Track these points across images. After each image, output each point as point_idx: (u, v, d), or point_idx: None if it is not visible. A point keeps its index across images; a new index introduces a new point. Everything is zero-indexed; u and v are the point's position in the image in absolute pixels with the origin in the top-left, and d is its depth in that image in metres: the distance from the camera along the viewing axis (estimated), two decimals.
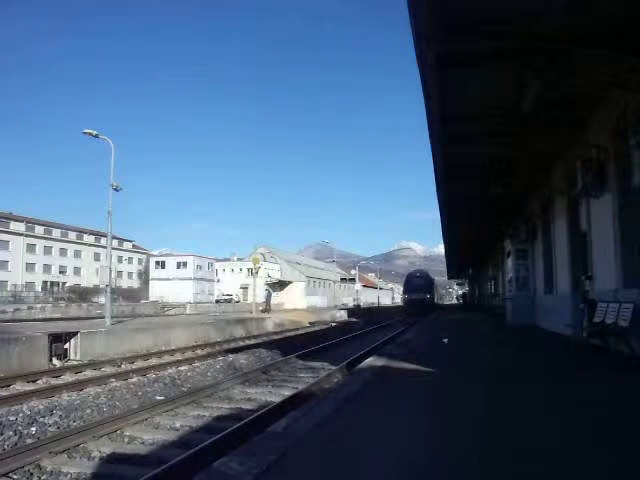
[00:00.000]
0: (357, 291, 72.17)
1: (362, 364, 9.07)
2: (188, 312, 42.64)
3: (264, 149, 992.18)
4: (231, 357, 14.20)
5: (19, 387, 9.67)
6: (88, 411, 7.72)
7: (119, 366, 12.49)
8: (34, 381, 10.27)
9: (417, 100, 9.45)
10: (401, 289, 59.09)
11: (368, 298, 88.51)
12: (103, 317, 20.18)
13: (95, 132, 19.04)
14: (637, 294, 8.00)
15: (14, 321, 24.39)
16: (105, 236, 25.19)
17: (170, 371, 11.76)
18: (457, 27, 6.82)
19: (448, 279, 70.84)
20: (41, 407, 7.71)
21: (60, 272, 75.59)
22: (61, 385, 9.61)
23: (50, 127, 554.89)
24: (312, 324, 33.03)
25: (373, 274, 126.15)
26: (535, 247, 18.43)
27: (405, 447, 3.84)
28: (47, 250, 74.80)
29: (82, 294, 58.04)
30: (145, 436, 6.39)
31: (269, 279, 68.13)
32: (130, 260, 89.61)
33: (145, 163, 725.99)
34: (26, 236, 71.09)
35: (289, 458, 3.47)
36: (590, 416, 4.74)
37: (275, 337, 21.98)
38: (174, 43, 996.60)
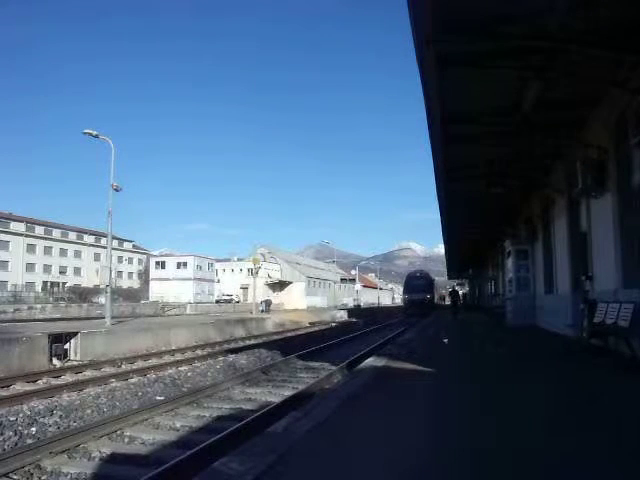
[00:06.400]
0: (357, 291, 72.20)
1: (362, 364, 9.07)
2: (188, 312, 42.66)
3: (264, 149, 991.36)
4: (231, 357, 14.20)
5: (19, 387, 9.67)
6: (88, 411, 7.72)
7: (119, 366, 12.49)
8: (34, 381, 10.27)
9: (417, 100, 9.46)
10: (401, 289, 59.10)
11: (368, 298, 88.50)
12: (103, 317, 20.21)
13: (95, 132, 19.09)
14: (637, 294, 8.00)
15: (14, 321, 24.41)
16: (105, 236, 25.20)
17: (170, 371, 11.77)
18: (457, 27, 6.82)
19: (448, 279, 70.72)
20: (41, 407, 7.72)
21: (60, 272, 75.54)
22: (61, 385, 9.61)
23: (50, 127, 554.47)
24: (312, 324, 33.04)
25: (373, 274, 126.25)
26: (535, 247, 18.43)
27: (405, 447, 3.84)
28: (47, 250, 74.76)
29: (82, 294, 57.98)
30: (145, 436, 6.39)
31: (269, 279, 68.15)
32: (130, 260, 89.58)
33: (145, 163, 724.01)
34: (26, 236, 71.06)
35: (289, 458, 3.47)
36: (590, 416, 4.74)
37: (275, 337, 21.98)
38: (174, 43, 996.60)
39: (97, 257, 79.72)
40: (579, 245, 12.35)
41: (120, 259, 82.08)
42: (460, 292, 58.26)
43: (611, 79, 8.21)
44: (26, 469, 5.16)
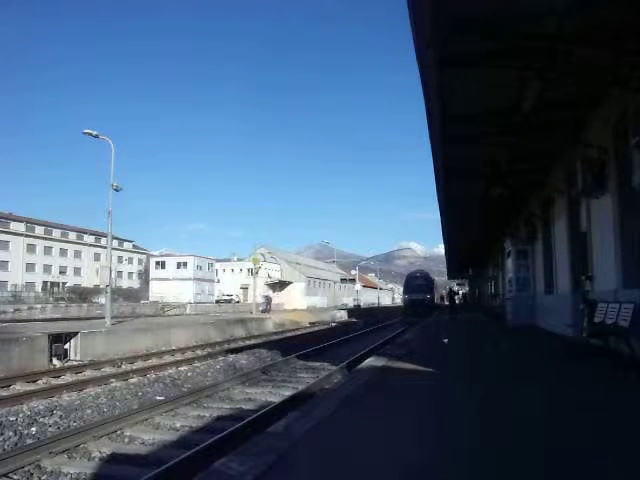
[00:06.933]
0: (357, 291, 72.23)
1: (362, 364, 9.07)
2: (188, 312, 42.65)
3: (264, 149, 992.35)
4: (231, 357, 14.21)
5: (19, 387, 9.67)
6: (88, 411, 7.73)
7: (119, 366, 12.49)
8: (34, 381, 10.27)
9: (417, 100, 9.46)
10: (401, 289, 59.11)
11: (368, 298, 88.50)
12: (103, 317, 20.21)
13: (95, 132, 19.11)
14: (637, 294, 7.99)
15: (14, 321, 24.39)
16: (105, 236, 25.20)
17: (170, 371, 11.77)
18: (457, 27, 6.81)
19: (448, 279, 70.68)
20: (41, 407, 7.72)
21: (60, 272, 75.54)
22: (61, 385, 9.61)
23: (50, 127, 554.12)
24: (312, 324, 33.03)
25: (373, 274, 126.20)
26: (535, 247, 18.42)
27: (405, 447, 3.84)
28: (47, 250, 74.77)
29: (82, 294, 57.98)
30: (145, 436, 6.40)
31: (269, 279, 68.15)
32: (130, 260, 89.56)
33: (145, 163, 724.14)
34: (26, 236, 71.07)
35: (289, 458, 3.47)
36: (590, 416, 4.74)
37: (275, 337, 21.99)
38: (174, 43, 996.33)
39: (97, 257, 79.70)
40: (579, 245, 12.35)
41: (120, 259, 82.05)
42: (460, 291, 58.30)
43: (611, 79, 8.19)
44: (26, 469, 5.16)
